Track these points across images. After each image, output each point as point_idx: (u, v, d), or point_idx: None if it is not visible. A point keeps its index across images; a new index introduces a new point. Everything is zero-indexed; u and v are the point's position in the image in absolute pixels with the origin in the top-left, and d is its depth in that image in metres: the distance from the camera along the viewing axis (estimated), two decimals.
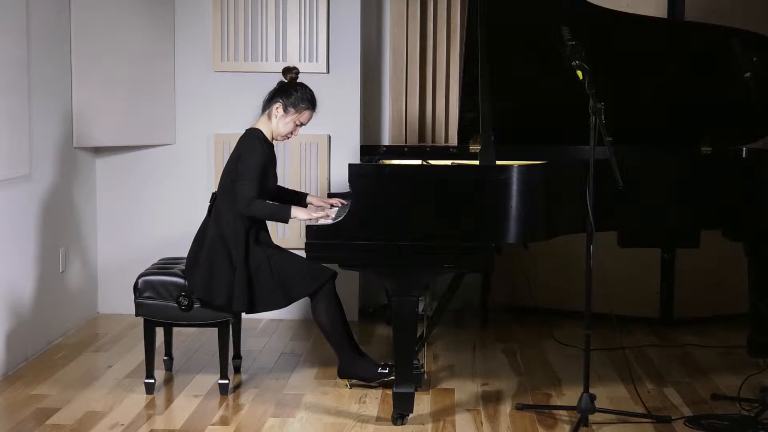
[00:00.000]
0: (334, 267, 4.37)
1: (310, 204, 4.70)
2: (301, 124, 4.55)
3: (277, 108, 4.48)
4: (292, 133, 4.55)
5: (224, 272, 4.41)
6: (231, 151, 4.55)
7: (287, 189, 4.85)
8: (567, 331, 5.63)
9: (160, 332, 4.66)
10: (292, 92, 4.48)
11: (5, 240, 4.83)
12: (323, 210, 4.49)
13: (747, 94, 4.51)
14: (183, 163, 5.94)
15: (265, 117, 4.53)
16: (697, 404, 4.47)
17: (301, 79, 4.55)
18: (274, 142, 4.57)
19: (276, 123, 4.50)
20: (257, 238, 4.48)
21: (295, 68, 4.55)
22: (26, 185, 5.04)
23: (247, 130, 4.55)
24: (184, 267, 4.60)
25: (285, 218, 4.40)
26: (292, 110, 4.48)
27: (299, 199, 4.74)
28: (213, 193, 4.59)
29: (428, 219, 4.08)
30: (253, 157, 4.41)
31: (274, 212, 4.42)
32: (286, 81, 4.53)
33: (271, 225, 4.66)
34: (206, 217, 4.56)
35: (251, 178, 4.37)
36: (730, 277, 5.72)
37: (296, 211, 4.37)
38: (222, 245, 4.43)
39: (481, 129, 4.22)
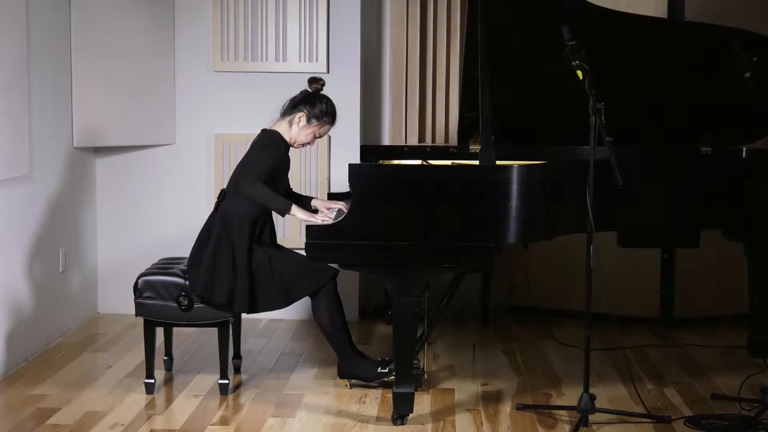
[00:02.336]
0: (334, 267, 4.38)
1: (315, 207, 4.69)
2: (320, 136, 4.57)
3: (300, 117, 4.48)
4: (309, 143, 4.57)
5: (226, 272, 4.41)
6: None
7: (294, 192, 4.84)
8: (567, 331, 5.63)
9: (160, 332, 4.66)
10: (317, 104, 4.49)
11: (5, 240, 4.83)
12: (323, 215, 4.47)
13: (747, 94, 4.51)
14: (183, 163, 5.94)
15: (284, 122, 4.52)
16: (697, 404, 4.47)
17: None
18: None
19: (297, 131, 4.50)
20: (260, 238, 4.48)
21: (321, 80, 4.55)
22: (26, 185, 5.04)
23: (263, 131, 4.55)
24: (184, 266, 4.60)
25: (283, 210, 4.34)
26: (314, 122, 4.50)
27: (304, 201, 4.74)
28: (222, 190, 4.58)
29: (428, 219, 4.07)
30: (266, 155, 4.41)
31: (275, 200, 4.37)
32: (310, 91, 4.53)
33: (278, 224, 4.63)
34: (212, 213, 4.55)
35: (259, 169, 4.36)
36: (730, 277, 5.72)
37: (296, 210, 4.32)
38: (227, 244, 4.43)
39: (481, 129, 4.21)
